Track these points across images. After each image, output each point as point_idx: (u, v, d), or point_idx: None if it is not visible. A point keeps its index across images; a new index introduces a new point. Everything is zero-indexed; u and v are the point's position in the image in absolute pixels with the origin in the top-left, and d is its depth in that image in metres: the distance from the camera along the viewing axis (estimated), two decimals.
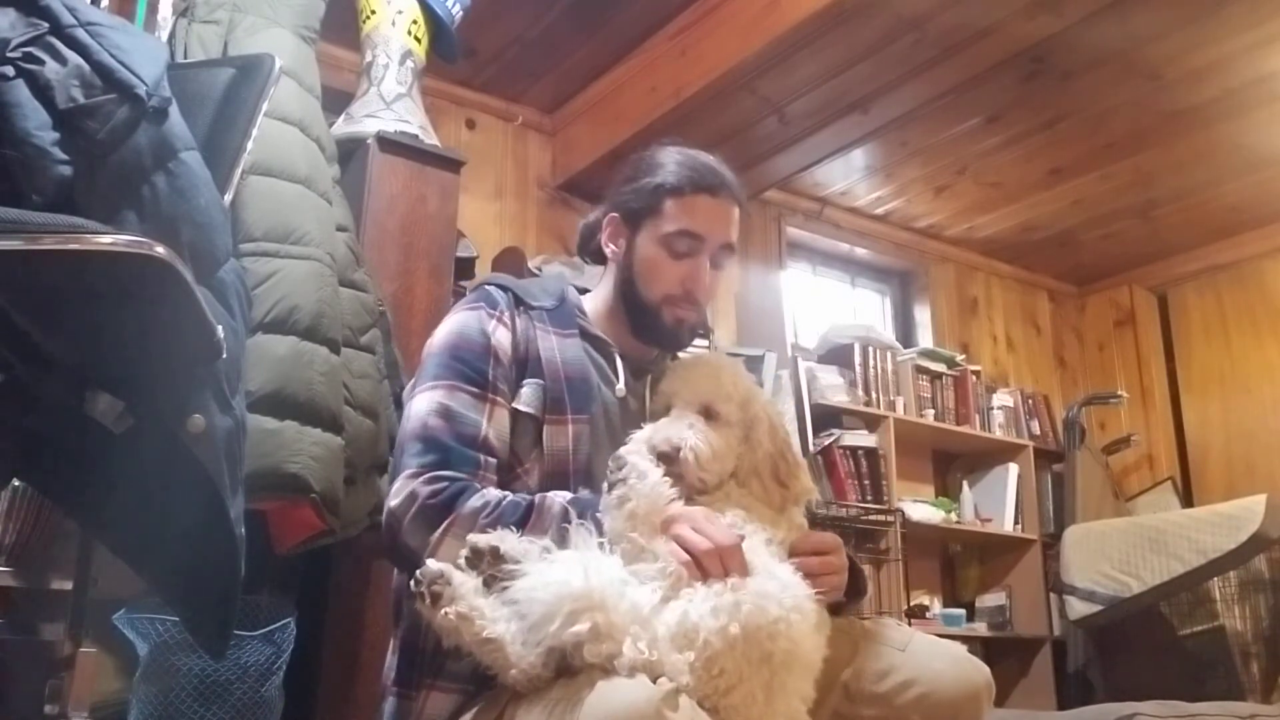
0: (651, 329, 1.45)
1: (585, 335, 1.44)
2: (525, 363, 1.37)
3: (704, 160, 1.44)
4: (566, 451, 1.33)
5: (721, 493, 1.29)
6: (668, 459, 1.24)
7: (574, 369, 1.39)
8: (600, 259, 1.53)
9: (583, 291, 1.55)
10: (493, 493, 1.26)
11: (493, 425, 1.32)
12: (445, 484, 1.24)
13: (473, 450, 1.28)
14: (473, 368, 1.33)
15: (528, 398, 1.35)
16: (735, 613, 1.07)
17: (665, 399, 1.36)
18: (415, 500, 1.24)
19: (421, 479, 1.25)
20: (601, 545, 1.15)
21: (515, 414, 1.35)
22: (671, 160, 1.44)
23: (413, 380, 1.40)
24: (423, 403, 1.31)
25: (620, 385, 1.42)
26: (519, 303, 1.43)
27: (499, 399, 1.34)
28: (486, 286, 1.45)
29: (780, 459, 1.33)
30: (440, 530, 1.22)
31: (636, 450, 1.22)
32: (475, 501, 1.23)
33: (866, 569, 1.45)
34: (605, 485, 1.19)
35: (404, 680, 1.29)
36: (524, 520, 1.21)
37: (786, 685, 1.11)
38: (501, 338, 1.37)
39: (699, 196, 1.41)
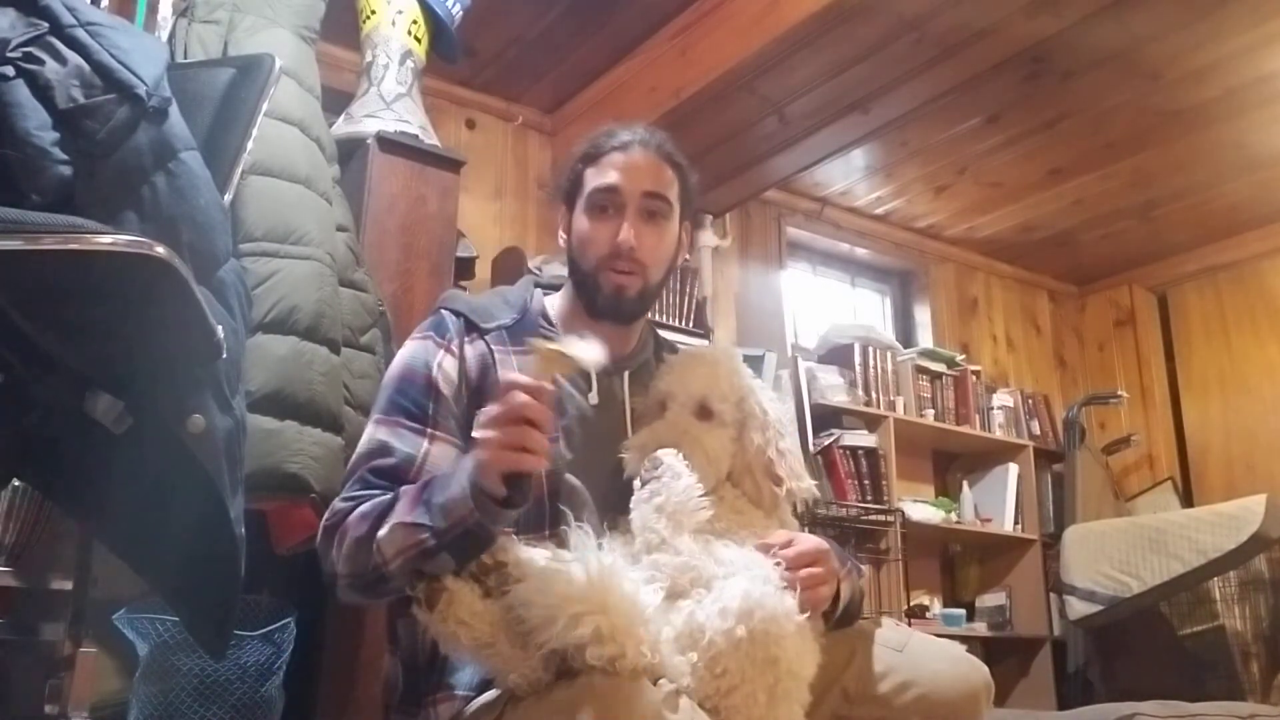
0: (595, 301, 1.41)
1: None
2: (482, 390, 1.34)
3: (617, 126, 1.46)
4: (539, 474, 1.28)
5: (715, 495, 1.26)
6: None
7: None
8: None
9: (560, 288, 1.52)
10: (382, 497, 1.24)
11: (430, 459, 1.29)
12: (347, 504, 1.25)
13: (399, 485, 1.26)
14: (414, 402, 1.32)
15: None
16: (746, 618, 1.07)
17: (660, 397, 1.35)
18: (319, 528, 1.27)
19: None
20: (601, 545, 1.15)
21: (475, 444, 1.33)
22: (589, 137, 1.46)
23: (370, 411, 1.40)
24: (364, 439, 1.33)
25: (593, 393, 1.39)
26: (472, 328, 1.39)
27: (440, 433, 1.31)
28: (441, 311, 1.42)
29: (773, 452, 1.31)
30: (334, 544, 1.23)
31: (671, 452, 1.21)
32: (363, 508, 1.23)
33: (866, 569, 1.41)
34: (638, 482, 1.19)
35: (408, 698, 1.29)
36: (389, 508, 1.20)
37: (791, 693, 1.11)
38: (448, 368, 1.35)
39: (610, 155, 1.42)
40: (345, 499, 1.27)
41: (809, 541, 1.25)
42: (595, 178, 1.42)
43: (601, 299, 1.40)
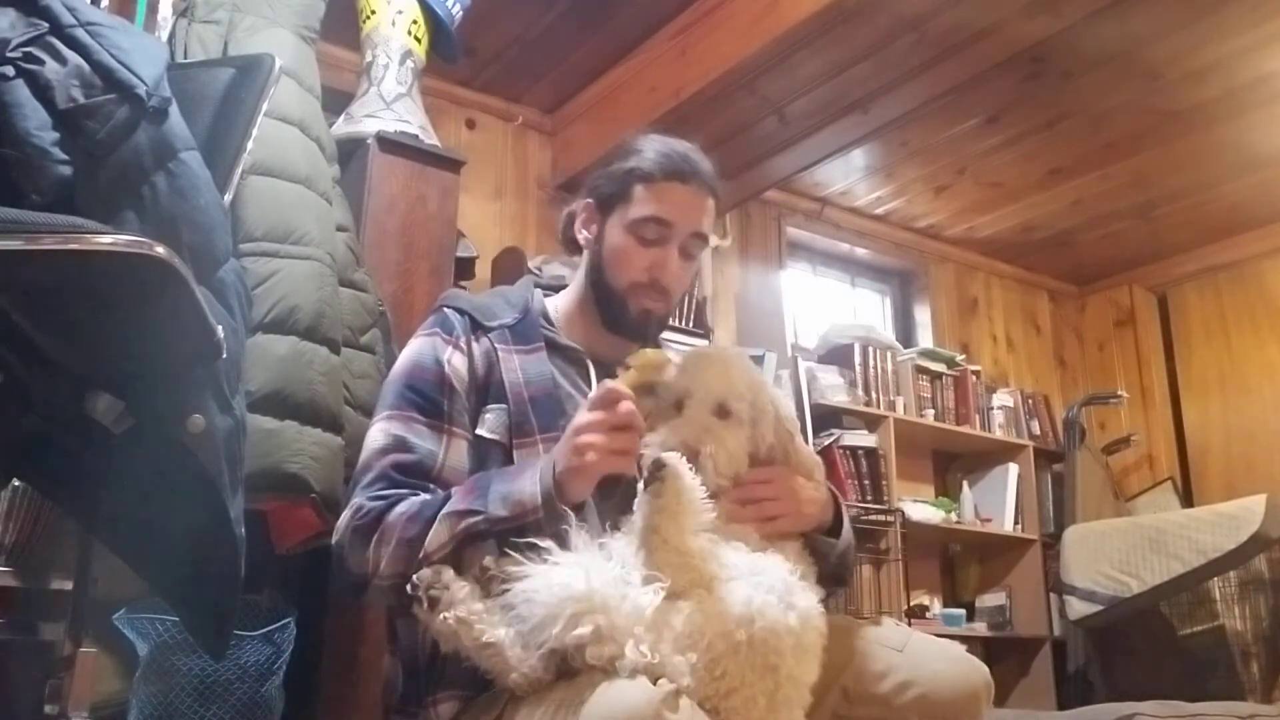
0: (618, 319, 1.42)
1: (553, 346, 1.42)
2: (486, 388, 1.35)
3: (679, 148, 1.42)
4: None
5: (720, 496, 1.26)
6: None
7: (538, 387, 1.36)
8: (577, 248, 1.50)
9: (559, 289, 1.52)
10: (420, 497, 1.25)
11: (449, 456, 1.30)
12: (378, 502, 1.25)
13: (425, 481, 1.27)
14: (427, 398, 1.32)
15: (492, 424, 1.33)
16: (746, 624, 1.07)
17: (675, 396, 1.35)
18: (347, 527, 1.25)
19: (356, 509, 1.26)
20: (602, 545, 1.15)
21: (480, 441, 1.33)
22: (646, 146, 1.42)
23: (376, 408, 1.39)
24: (377, 434, 1.31)
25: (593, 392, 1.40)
26: (476, 326, 1.40)
27: (456, 429, 1.32)
28: (444, 309, 1.42)
29: (788, 448, 1.32)
30: (373, 544, 1.22)
31: (675, 454, 1.20)
32: (401, 507, 1.23)
33: (866, 569, 1.43)
34: (640, 484, 1.19)
35: (408, 698, 1.29)
36: (439, 508, 1.21)
37: (791, 698, 1.10)
38: (458, 364, 1.35)
39: (669, 184, 1.39)
40: (374, 497, 1.25)
41: (769, 473, 1.30)
42: (648, 202, 1.39)
43: (628, 321, 1.42)
